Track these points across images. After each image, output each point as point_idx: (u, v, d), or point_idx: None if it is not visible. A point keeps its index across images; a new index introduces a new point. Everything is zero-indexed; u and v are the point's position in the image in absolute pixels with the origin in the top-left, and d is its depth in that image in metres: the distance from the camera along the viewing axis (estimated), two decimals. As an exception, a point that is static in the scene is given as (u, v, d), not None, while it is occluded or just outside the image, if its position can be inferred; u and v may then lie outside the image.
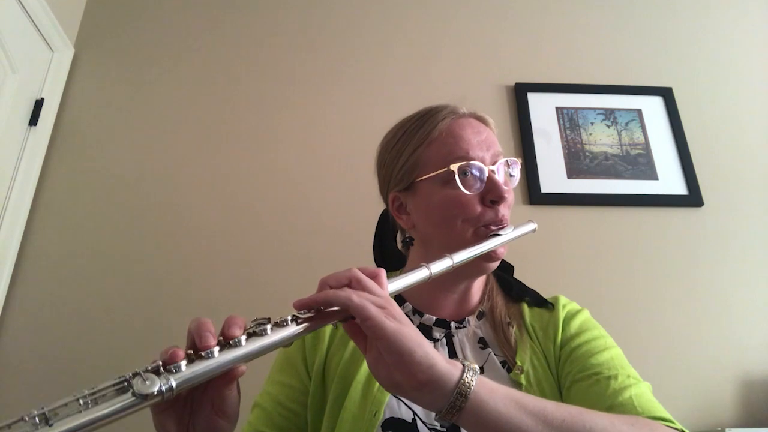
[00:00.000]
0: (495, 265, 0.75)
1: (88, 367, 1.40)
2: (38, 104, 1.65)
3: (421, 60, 1.89)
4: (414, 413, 0.67)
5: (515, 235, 0.73)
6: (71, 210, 1.60)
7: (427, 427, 0.66)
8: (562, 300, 0.80)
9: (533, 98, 1.82)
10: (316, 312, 0.52)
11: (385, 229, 0.92)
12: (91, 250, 1.55)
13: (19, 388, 1.37)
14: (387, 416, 0.67)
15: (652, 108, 1.85)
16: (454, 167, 0.71)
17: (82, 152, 1.68)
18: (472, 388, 0.48)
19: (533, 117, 1.79)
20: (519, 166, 0.78)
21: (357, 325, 0.51)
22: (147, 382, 0.40)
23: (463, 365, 0.50)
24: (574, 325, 0.74)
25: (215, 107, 1.78)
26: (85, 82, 1.79)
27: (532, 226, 0.78)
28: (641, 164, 1.75)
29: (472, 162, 0.71)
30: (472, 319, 0.78)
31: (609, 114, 1.84)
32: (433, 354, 0.49)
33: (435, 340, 0.75)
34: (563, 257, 1.59)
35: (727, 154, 1.79)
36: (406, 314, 0.74)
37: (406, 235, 0.84)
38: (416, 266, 0.63)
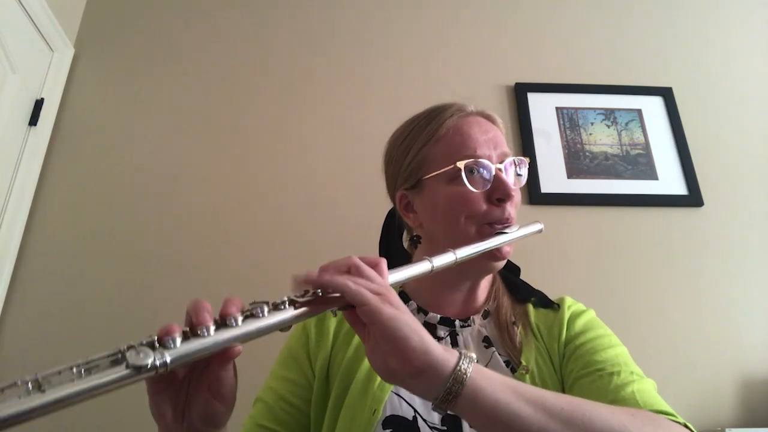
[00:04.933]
0: (501, 264, 0.74)
1: (88, 367, 1.40)
2: (38, 104, 1.65)
3: (422, 60, 1.89)
4: (415, 411, 0.67)
5: (520, 234, 0.73)
6: (71, 210, 1.60)
7: (428, 425, 0.66)
8: (568, 301, 0.79)
9: (533, 98, 1.82)
10: (314, 296, 0.51)
11: (391, 228, 0.92)
12: (91, 250, 1.55)
13: (19, 388, 1.37)
14: (387, 414, 0.66)
15: (652, 108, 1.85)
16: (461, 164, 0.70)
17: (82, 152, 1.68)
18: (469, 374, 0.47)
19: (533, 117, 1.79)
20: (526, 166, 0.78)
21: (357, 313, 0.50)
22: (141, 355, 0.40)
23: (460, 353, 0.50)
24: (579, 323, 0.74)
25: (216, 106, 1.78)
26: (85, 82, 1.79)
27: (538, 226, 0.77)
28: (641, 164, 1.75)
29: (479, 160, 0.71)
30: (477, 318, 0.77)
31: (609, 114, 1.84)
32: (429, 340, 0.49)
33: (439, 339, 0.75)
34: (563, 257, 1.59)
35: (727, 154, 1.79)
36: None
37: (414, 234, 0.84)
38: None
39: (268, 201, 1.65)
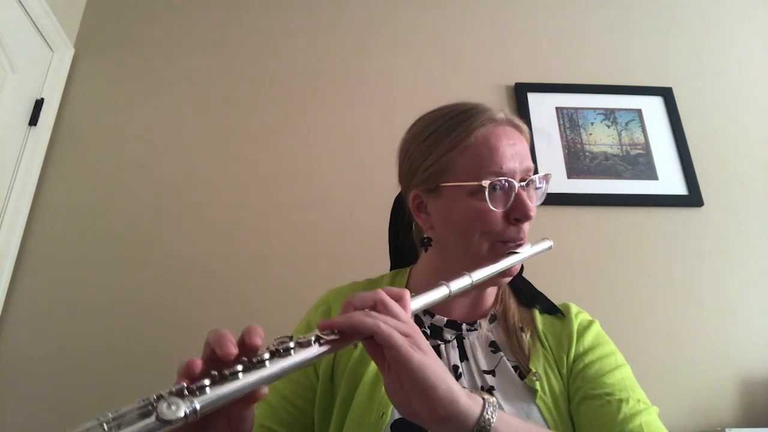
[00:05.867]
0: (509, 279, 0.75)
1: (89, 367, 1.40)
2: (38, 104, 1.65)
3: (423, 60, 1.89)
4: None
5: (532, 253, 0.73)
6: (71, 210, 1.60)
7: None
8: (573, 309, 0.79)
9: (533, 98, 1.82)
10: (339, 333, 0.51)
11: (399, 221, 0.91)
12: (91, 250, 1.55)
13: (20, 389, 1.37)
14: (395, 417, 0.66)
15: (652, 108, 1.85)
16: (486, 183, 0.69)
17: (82, 152, 1.68)
18: (492, 425, 0.49)
19: (533, 117, 1.79)
20: (548, 182, 0.76)
21: (377, 344, 0.50)
22: (172, 407, 0.40)
23: (484, 399, 0.51)
24: (588, 339, 0.74)
25: (216, 106, 1.78)
26: (85, 82, 1.79)
27: (548, 243, 0.78)
28: (641, 164, 1.75)
29: (503, 178, 0.70)
30: (483, 323, 0.78)
31: (609, 114, 1.84)
32: (455, 389, 0.49)
33: (446, 342, 0.75)
34: (563, 258, 1.59)
35: (727, 154, 1.79)
36: (416, 315, 0.75)
37: (424, 236, 0.84)
38: (435, 284, 0.63)
39: (270, 200, 1.64)
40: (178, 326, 1.45)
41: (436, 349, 0.74)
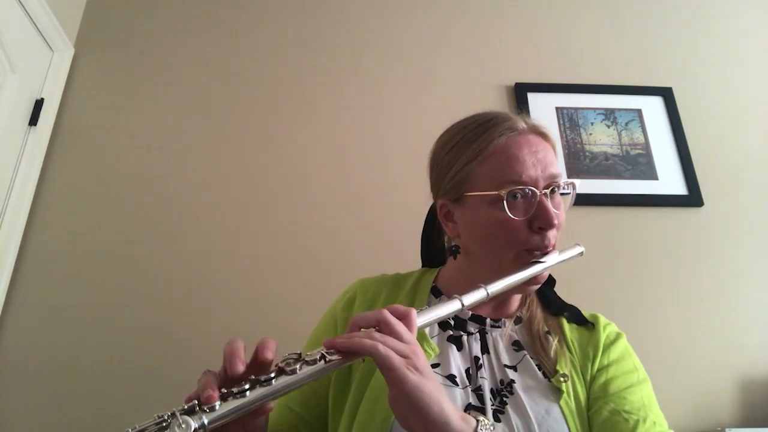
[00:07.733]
0: (536, 287, 0.75)
1: (89, 367, 1.40)
2: (38, 104, 1.65)
3: (422, 60, 1.88)
4: None
5: (558, 260, 0.73)
6: (71, 210, 1.60)
7: None
8: (602, 320, 0.80)
9: (533, 98, 1.82)
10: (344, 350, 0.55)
11: (433, 224, 0.93)
12: (91, 251, 1.55)
13: (20, 389, 1.37)
14: None
15: (652, 108, 1.85)
16: (504, 192, 0.69)
17: (82, 152, 1.68)
18: None
19: (533, 117, 1.78)
20: (575, 188, 0.77)
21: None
22: (183, 426, 0.46)
23: (478, 421, 0.52)
24: (614, 352, 0.75)
25: (217, 107, 1.78)
26: (85, 82, 1.78)
27: (578, 249, 0.77)
28: (641, 164, 1.75)
29: (523, 187, 0.70)
30: (508, 322, 0.78)
31: (609, 114, 1.84)
32: (448, 411, 0.50)
33: (469, 334, 0.76)
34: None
35: (727, 154, 1.79)
36: None
37: (452, 244, 0.85)
38: (450, 297, 0.65)
39: (270, 202, 1.64)
40: (179, 327, 1.45)
41: (459, 340, 0.75)
